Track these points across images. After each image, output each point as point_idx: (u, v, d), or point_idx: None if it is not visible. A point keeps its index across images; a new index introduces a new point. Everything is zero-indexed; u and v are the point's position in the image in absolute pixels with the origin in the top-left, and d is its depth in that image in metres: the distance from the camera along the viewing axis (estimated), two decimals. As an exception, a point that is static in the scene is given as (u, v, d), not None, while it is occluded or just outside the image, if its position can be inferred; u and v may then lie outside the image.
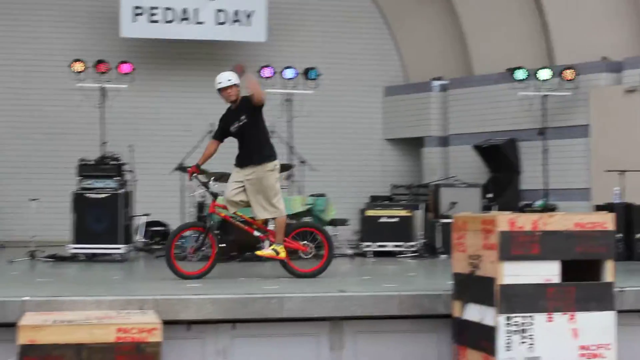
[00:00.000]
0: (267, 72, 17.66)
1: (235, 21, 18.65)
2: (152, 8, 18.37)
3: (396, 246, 14.57)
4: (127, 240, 13.32)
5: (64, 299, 8.09)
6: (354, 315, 8.61)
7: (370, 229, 14.66)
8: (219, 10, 18.63)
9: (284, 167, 15.12)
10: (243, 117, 10.37)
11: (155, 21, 18.44)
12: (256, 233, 10.73)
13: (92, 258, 13.15)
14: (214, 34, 18.76)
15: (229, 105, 10.58)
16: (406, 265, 13.21)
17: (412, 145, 20.48)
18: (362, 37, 20.50)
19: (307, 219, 14.01)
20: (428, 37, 20.22)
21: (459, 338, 8.26)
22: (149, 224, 15.99)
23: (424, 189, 18.51)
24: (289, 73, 17.77)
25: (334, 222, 14.50)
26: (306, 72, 17.93)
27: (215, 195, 10.71)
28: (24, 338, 7.05)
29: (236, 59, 19.56)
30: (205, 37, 18.79)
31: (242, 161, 10.43)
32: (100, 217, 13.00)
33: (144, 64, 18.77)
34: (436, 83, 19.82)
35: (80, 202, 13.02)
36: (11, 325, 7.79)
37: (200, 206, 14.75)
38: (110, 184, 13.18)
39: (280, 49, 19.60)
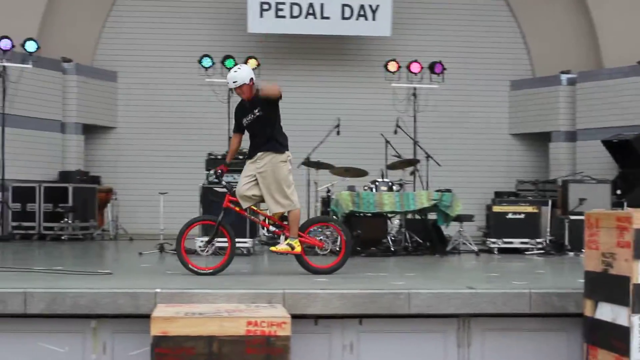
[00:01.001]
0: (391, 67, 17.65)
1: (361, 16, 18.65)
2: (279, 4, 18.54)
3: (523, 243, 14.35)
4: (253, 234, 13.44)
5: (194, 292, 8.20)
6: (484, 312, 8.51)
7: (497, 225, 14.47)
8: (345, 5, 18.67)
9: (410, 162, 15.07)
10: (257, 111, 10.11)
11: (282, 17, 18.60)
12: (272, 228, 10.44)
13: (218, 251, 13.30)
14: (339, 29, 18.81)
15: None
16: (533, 262, 12.99)
17: (539, 140, 20.16)
18: (488, 30, 20.26)
19: (430, 214, 13.93)
20: (556, 29, 19.85)
21: (590, 337, 8.08)
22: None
23: (551, 185, 18.22)
24: (414, 67, 17.71)
25: (460, 218, 14.36)
26: (431, 66, 17.83)
27: (230, 190, 10.35)
28: (156, 329, 7.18)
29: (361, 54, 19.65)
30: (330, 32, 18.87)
31: (254, 152, 10.15)
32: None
33: (271, 58, 18.99)
34: (564, 76, 19.47)
35: (208, 195, 13.19)
36: (143, 317, 7.99)
37: (325, 201, 14.81)
38: (238, 178, 13.27)
39: (405, 43, 19.54)
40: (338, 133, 15.43)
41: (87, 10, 19.24)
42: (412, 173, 15.14)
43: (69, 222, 16.21)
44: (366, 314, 8.43)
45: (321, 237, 10.67)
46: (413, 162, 15.21)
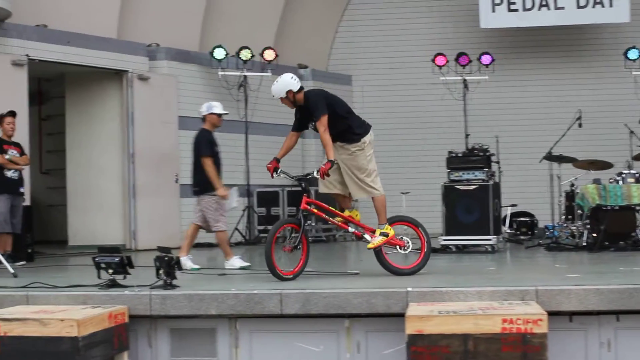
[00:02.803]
0: (632, 54, 17.06)
1: (597, 3, 18.07)
2: (511, -3, 18.29)
3: None
4: (497, 231, 13.29)
5: (445, 290, 8.17)
6: None
7: None
8: (580, -6, 18.18)
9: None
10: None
11: (515, 10, 18.31)
12: (351, 229, 9.80)
13: (462, 249, 13.25)
14: (574, 18, 18.32)
15: None
16: None
17: None
18: None
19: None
20: None
21: None
22: (514, 215, 15.89)
23: None
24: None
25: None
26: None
27: (306, 191, 9.73)
28: (411, 328, 7.19)
29: (598, 42, 19.04)
30: (565, 22, 18.41)
31: (334, 139, 9.56)
32: (471, 208, 13.06)
33: (504, 53, 18.75)
34: None
35: (450, 193, 13.15)
36: (394, 316, 8.04)
37: (569, 195, 14.45)
38: (479, 175, 13.20)
39: (644, 28, 18.80)
40: (580, 125, 15.03)
41: (320, 17, 19.64)
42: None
43: (312, 224, 16.57)
44: (624, 310, 8.12)
45: (401, 236, 9.95)
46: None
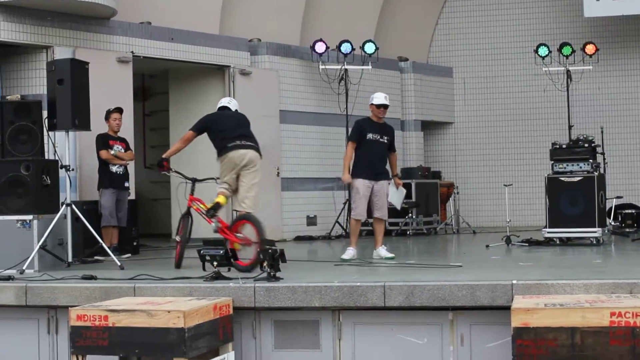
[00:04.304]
0: None
1: None
2: (615, -15, 17.88)
3: None
4: (602, 223, 13.04)
5: (551, 282, 8.06)
6: None
7: None
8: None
9: None
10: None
11: (618, -2, 17.89)
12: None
13: (566, 242, 13.05)
14: (681, 4, 17.78)
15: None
16: None
17: None
18: None
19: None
20: None
21: None
22: (619, 207, 15.58)
23: None
24: None
25: None
26: None
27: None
28: (517, 321, 7.10)
29: None
30: (672, 8, 17.89)
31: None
32: (576, 200, 12.85)
33: (609, 42, 18.39)
34: None
35: (554, 185, 12.95)
36: (498, 308, 7.96)
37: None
38: (584, 166, 12.97)
39: None
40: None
41: (420, 9, 19.55)
42: None
43: (413, 217, 16.51)
44: None
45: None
46: None
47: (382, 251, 11.31)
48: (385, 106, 11.44)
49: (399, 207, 12.24)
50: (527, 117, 19.04)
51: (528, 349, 7.06)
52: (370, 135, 11.32)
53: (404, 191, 11.82)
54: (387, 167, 11.57)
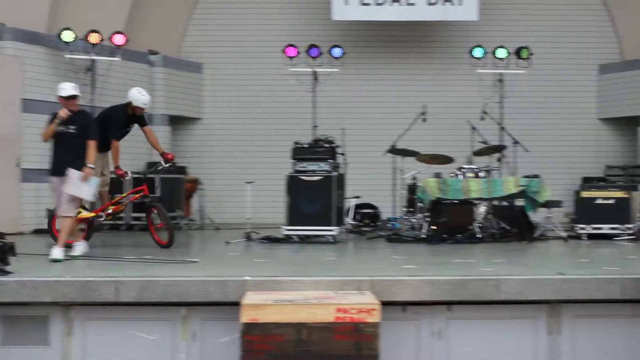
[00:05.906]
0: (477, 53, 17.47)
1: (447, 1, 18.41)
2: (364, -10, 18.45)
3: (612, 229, 14.10)
4: (339, 222, 13.45)
5: (282, 279, 8.24)
6: (574, 298, 8.38)
7: (586, 210, 14.23)
8: (431, -9, 18.50)
9: (497, 148, 14.92)
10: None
11: (367, 4, 18.46)
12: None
13: (304, 239, 13.35)
14: (425, 14, 18.54)
15: None
16: (623, 248, 12.75)
17: (628, 125, 19.71)
18: (575, 13, 19.83)
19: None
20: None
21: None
22: (359, 207, 16.12)
23: (641, 169, 17.88)
24: (500, 53, 17.48)
25: (548, 204, 14.18)
26: (518, 52, 17.59)
27: None
28: (246, 317, 7.23)
29: (447, 40, 19.47)
30: (416, 18, 18.62)
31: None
32: (314, 199, 13.17)
33: (355, 47, 18.94)
34: (655, 59, 19.02)
35: (294, 184, 13.21)
36: (231, 304, 8.05)
37: (411, 188, 14.76)
38: (324, 166, 13.32)
39: (491, 28, 19.28)
40: (424, 120, 15.38)
41: (173, 3, 19.42)
42: (499, 159, 14.97)
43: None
44: (455, 301, 8.38)
45: None
46: (500, 148, 15.06)
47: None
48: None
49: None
50: (274, 117, 19.31)
51: (256, 344, 7.19)
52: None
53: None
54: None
